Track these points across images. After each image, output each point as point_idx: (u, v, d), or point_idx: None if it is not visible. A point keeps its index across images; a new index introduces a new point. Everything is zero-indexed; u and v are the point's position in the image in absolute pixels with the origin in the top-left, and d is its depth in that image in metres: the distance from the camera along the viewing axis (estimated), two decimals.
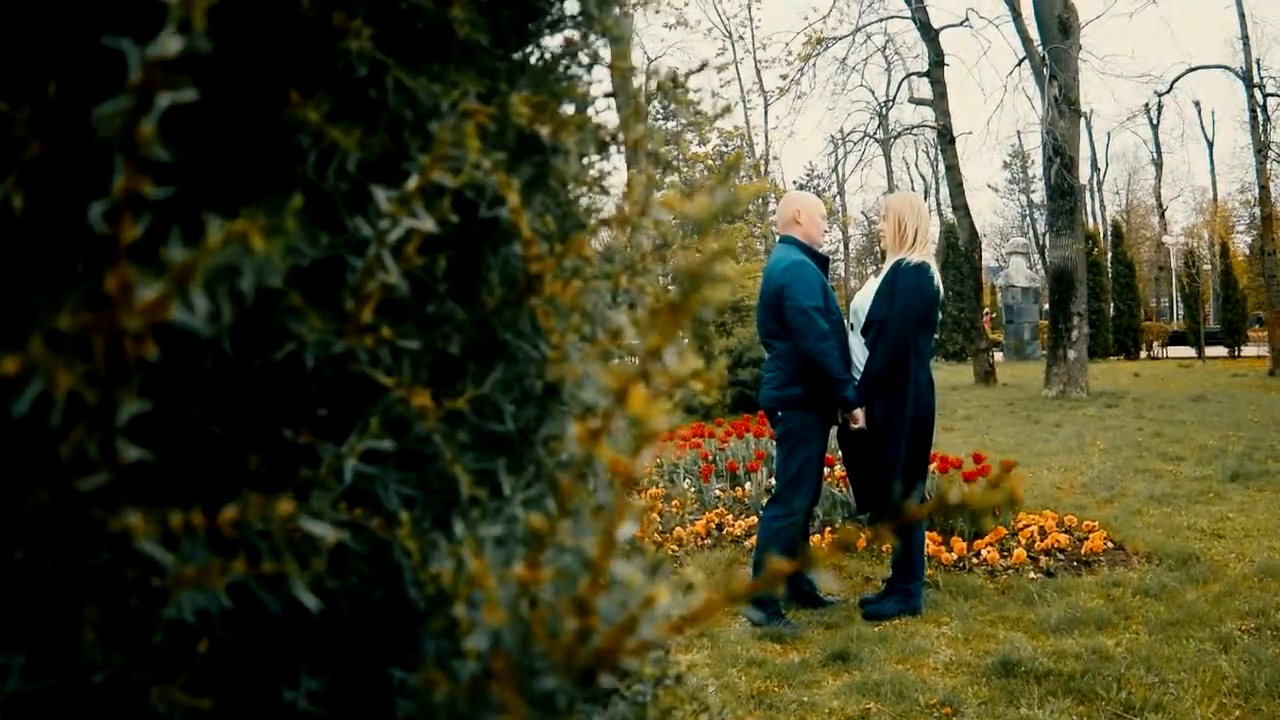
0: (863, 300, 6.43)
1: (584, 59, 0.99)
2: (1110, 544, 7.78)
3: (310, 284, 0.75)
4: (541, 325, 0.84)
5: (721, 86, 43.60)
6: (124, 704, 0.67)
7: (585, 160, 0.96)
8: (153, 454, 0.61)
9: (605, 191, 0.99)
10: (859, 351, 6.31)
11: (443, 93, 0.79)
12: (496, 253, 0.85)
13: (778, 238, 6.69)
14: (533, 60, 0.95)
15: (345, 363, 0.75)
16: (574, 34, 0.98)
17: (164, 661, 0.68)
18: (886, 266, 6.33)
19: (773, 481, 7.99)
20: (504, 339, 0.84)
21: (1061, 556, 7.47)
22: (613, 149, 0.97)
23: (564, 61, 0.98)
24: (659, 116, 41.91)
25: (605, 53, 1.01)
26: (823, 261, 6.44)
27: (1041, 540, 7.59)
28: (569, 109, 0.96)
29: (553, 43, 0.97)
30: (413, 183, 0.72)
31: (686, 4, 35.18)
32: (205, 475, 0.73)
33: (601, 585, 0.59)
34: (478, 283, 0.87)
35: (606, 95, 0.99)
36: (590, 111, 1.01)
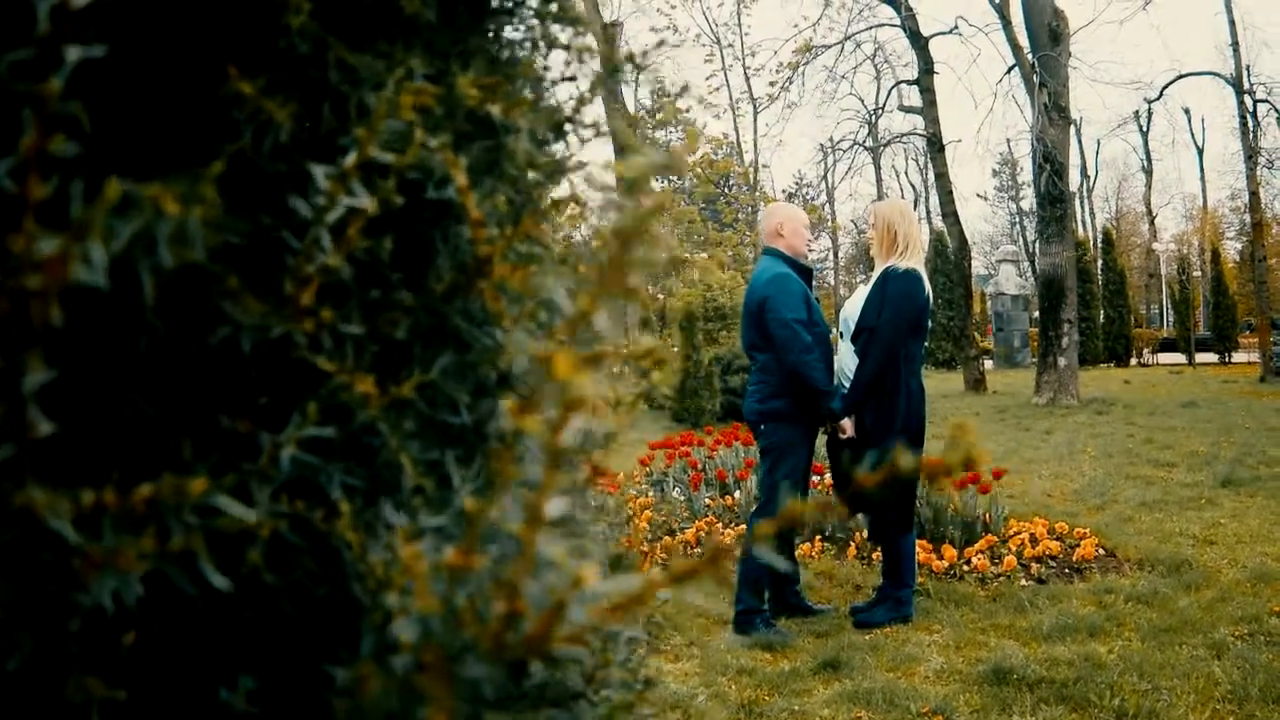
0: (852, 308, 6.40)
1: (541, 42, 0.95)
2: (1102, 551, 7.75)
3: (250, 267, 0.72)
4: (492, 311, 0.79)
5: (710, 94, 43.63)
6: (39, 693, 0.63)
7: (541, 143, 0.92)
8: (78, 433, 0.58)
9: (563, 173, 0.95)
10: (849, 359, 6.27)
11: (386, 70, 0.75)
12: (446, 236, 0.81)
13: (761, 249, 6.66)
14: (488, 42, 0.91)
15: (286, 349, 0.71)
16: (532, 18, 0.94)
17: (84, 651, 0.64)
18: (876, 274, 6.30)
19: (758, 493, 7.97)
20: (454, 325, 0.80)
21: (1053, 563, 7.44)
22: (570, 132, 0.93)
23: (522, 44, 0.94)
24: (649, 126, 41.94)
25: (566, 37, 0.97)
26: (806, 273, 6.41)
27: (1033, 547, 7.56)
28: (526, 93, 0.92)
29: (510, 25, 0.93)
30: (350, 159, 0.69)
31: (674, 7, 35.21)
32: (139, 462, 0.69)
33: (529, 566, 0.55)
34: (426, 267, 0.83)
35: (566, 79, 0.95)
36: (552, 101, 0.98)
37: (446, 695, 0.55)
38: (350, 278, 0.74)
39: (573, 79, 0.95)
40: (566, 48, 0.98)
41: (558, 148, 0.98)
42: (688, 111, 42.38)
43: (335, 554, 0.71)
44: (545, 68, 0.96)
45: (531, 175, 0.94)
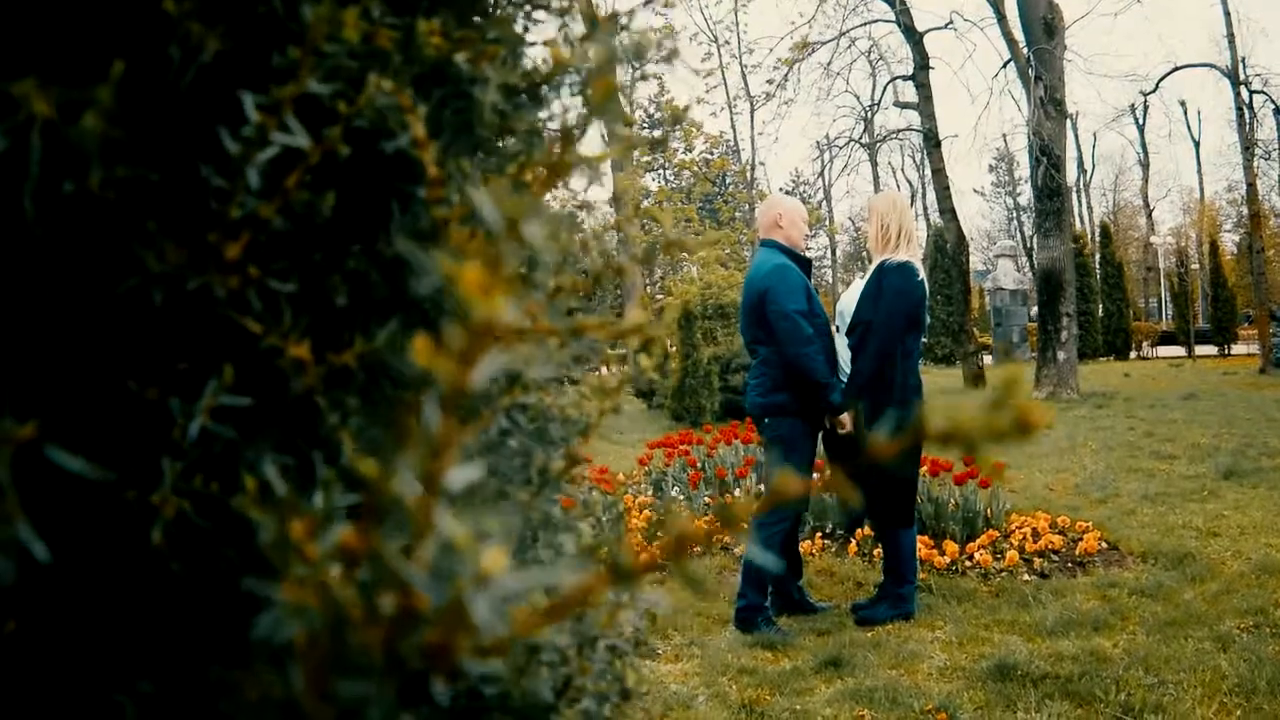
0: (848, 302, 6.33)
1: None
2: (1105, 544, 7.69)
3: (177, 216, 0.64)
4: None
5: (707, 92, 43.56)
6: None
7: (516, 104, 0.85)
8: None
9: (539, 137, 0.87)
10: (845, 354, 6.21)
11: (338, 6, 0.67)
12: (399, 194, 0.74)
13: (759, 242, 6.59)
14: None
15: (209, 307, 0.64)
16: None
17: None
18: (872, 267, 6.24)
19: (762, 488, 7.90)
20: (406, 294, 0.73)
21: (1055, 558, 7.38)
22: (548, 94, 0.86)
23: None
24: (644, 125, 41.94)
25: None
26: (806, 265, 6.33)
27: (1035, 542, 7.50)
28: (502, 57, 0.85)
29: None
30: (286, 89, 0.61)
31: (671, 5, 35.05)
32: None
33: (423, 549, 0.46)
34: (377, 230, 0.75)
35: (545, 43, 0.88)
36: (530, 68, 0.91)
37: (327, 713, 0.47)
38: (286, 230, 0.67)
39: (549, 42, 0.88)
40: (546, 6, 0.91)
41: (541, 116, 0.92)
42: (686, 110, 42.31)
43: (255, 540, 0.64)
44: (526, 28, 0.89)
45: (508, 143, 0.87)
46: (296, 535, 0.49)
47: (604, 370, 1.15)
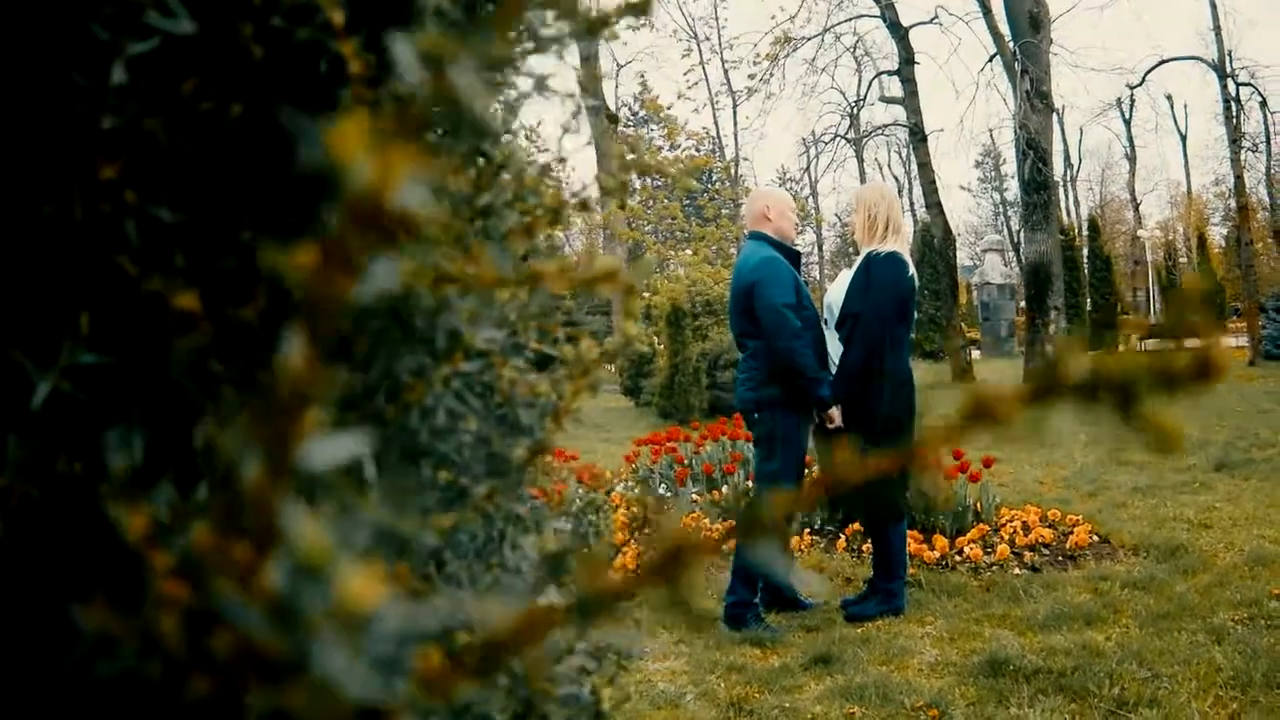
0: (836, 294, 6.24)
1: None
2: (1095, 537, 7.64)
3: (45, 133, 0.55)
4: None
5: (689, 88, 43.42)
6: None
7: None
8: None
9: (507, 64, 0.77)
10: (835, 348, 6.13)
11: None
12: (316, 110, 0.63)
13: (747, 234, 6.50)
14: None
15: (81, 245, 0.54)
16: None
17: None
18: (859, 259, 6.15)
19: (750, 484, 7.82)
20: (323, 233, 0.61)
21: (1046, 551, 7.31)
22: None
23: None
24: (629, 123, 41.87)
25: None
26: (795, 257, 6.25)
27: (1025, 535, 7.44)
28: None
29: None
30: None
31: None
32: None
33: (270, 555, 0.32)
34: (289, 151, 0.63)
35: None
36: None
37: None
38: (177, 151, 0.56)
39: None
40: None
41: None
42: (669, 109, 42.23)
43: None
44: None
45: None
46: (135, 535, 0.39)
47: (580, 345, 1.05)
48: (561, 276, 0.71)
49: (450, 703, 0.37)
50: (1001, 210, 71.92)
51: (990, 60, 26.89)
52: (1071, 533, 7.54)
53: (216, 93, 0.57)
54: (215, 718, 0.35)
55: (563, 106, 0.90)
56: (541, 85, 0.79)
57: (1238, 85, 33.35)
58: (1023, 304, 28.33)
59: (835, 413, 5.97)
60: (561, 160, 0.96)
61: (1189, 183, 65.28)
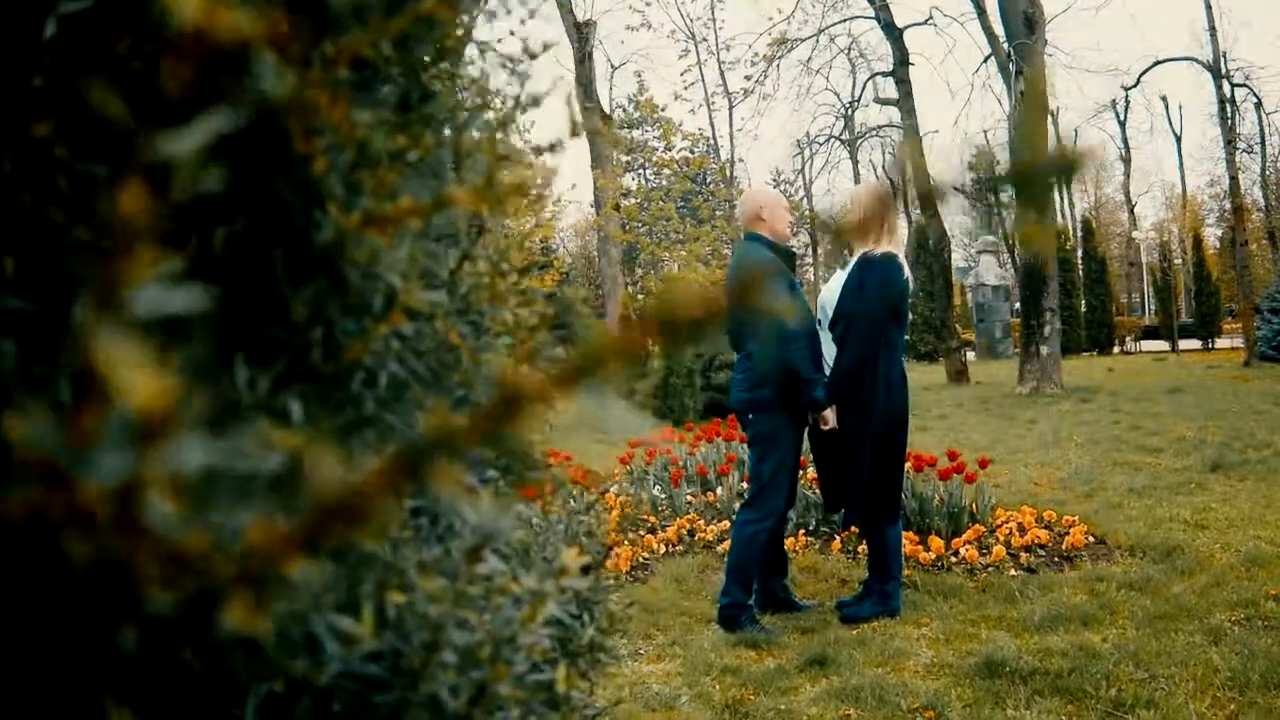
0: (829, 296, 6.22)
1: None
2: (1091, 538, 7.61)
3: None
4: (315, 176, 0.58)
5: (685, 89, 43.35)
6: None
7: None
8: None
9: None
10: (830, 349, 6.10)
11: None
12: None
13: (743, 235, 6.48)
14: None
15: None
16: None
17: None
18: (853, 260, 6.13)
19: (745, 485, 7.80)
20: (270, 191, 0.59)
21: (1042, 552, 7.30)
22: None
23: None
24: (622, 125, 41.84)
25: None
26: (789, 257, 6.23)
27: (1021, 536, 7.43)
28: None
29: None
30: None
31: (648, 4, 34.98)
32: None
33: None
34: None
35: None
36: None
37: None
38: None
39: None
40: None
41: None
42: (664, 109, 42.21)
43: None
44: None
45: None
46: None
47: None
48: (471, 196, 0.68)
49: (283, 579, 0.35)
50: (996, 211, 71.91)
51: (985, 61, 27.03)
52: (1067, 534, 7.52)
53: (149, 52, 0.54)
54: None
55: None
56: None
57: (1233, 86, 33.45)
58: (1017, 305, 28.31)
59: (830, 414, 5.95)
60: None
61: (1184, 184, 65.38)
